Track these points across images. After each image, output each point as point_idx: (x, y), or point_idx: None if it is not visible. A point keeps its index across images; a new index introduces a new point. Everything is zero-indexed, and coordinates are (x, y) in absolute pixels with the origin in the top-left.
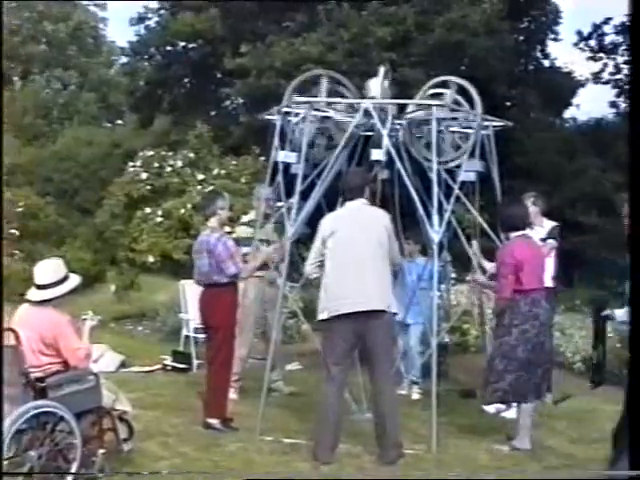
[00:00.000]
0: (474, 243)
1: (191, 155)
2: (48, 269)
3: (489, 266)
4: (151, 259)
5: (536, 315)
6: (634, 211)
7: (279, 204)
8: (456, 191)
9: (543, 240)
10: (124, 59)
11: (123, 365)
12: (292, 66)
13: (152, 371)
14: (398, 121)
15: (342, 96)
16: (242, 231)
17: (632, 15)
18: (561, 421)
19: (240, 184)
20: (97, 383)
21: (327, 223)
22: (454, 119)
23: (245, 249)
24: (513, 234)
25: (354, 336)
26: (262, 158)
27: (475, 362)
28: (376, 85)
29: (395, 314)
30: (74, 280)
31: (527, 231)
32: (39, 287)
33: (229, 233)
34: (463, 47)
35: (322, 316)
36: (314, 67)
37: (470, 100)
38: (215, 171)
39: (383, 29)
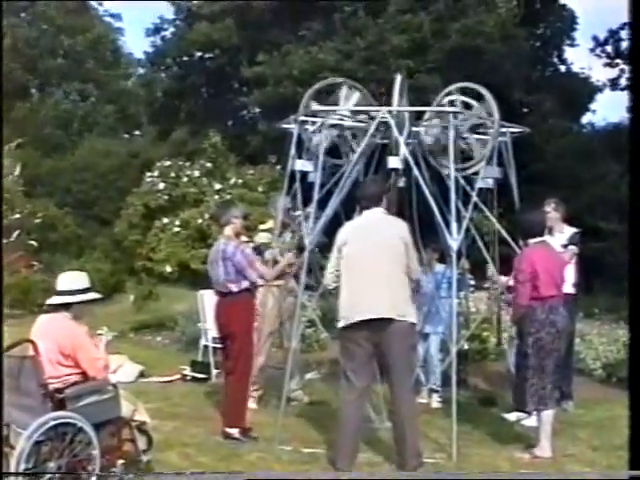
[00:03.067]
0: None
1: (208, 165)
2: (71, 277)
3: (503, 279)
4: (169, 269)
5: (553, 322)
6: (634, 211)
7: (296, 213)
8: (474, 198)
9: (564, 247)
10: (141, 70)
11: (142, 375)
12: (309, 74)
13: (171, 381)
14: (415, 128)
15: (359, 104)
16: (263, 237)
17: (632, 15)
18: (582, 429)
19: (257, 193)
20: (116, 394)
21: (343, 232)
22: (476, 126)
23: (267, 254)
24: (531, 241)
25: (370, 344)
26: (279, 167)
27: (495, 370)
28: (394, 93)
29: (413, 323)
30: (95, 294)
31: (546, 238)
32: (59, 293)
33: (247, 242)
34: (479, 53)
35: (340, 324)
36: (330, 75)
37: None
38: (232, 180)
39: (399, 37)
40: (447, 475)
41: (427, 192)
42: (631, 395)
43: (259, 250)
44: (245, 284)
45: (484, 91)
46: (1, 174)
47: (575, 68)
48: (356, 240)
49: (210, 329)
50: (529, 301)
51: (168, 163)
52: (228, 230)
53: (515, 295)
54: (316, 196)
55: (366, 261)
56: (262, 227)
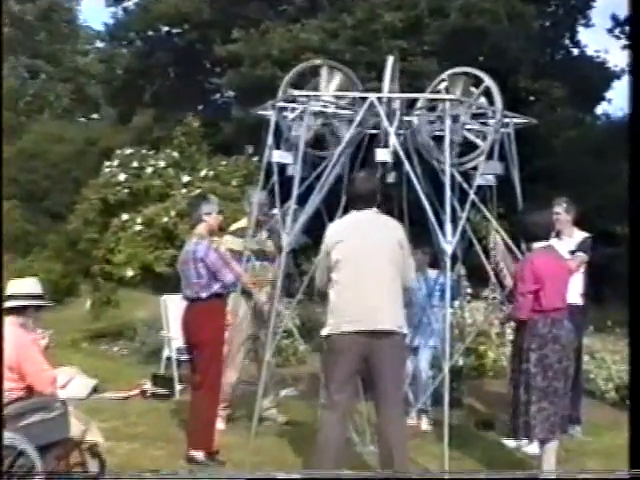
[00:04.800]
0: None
1: (175, 154)
2: (23, 281)
3: (509, 282)
4: (130, 272)
5: (556, 338)
6: (634, 212)
7: (274, 210)
8: (472, 196)
9: (572, 253)
10: (100, 45)
11: (96, 390)
12: (290, 55)
13: (129, 397)
14: (407, 118)
15: (345, 89)
16: (230, 242)
17: (632, 15)
18: (591, 457)
19: (231, 187)
20: (64, 411)
21: (332, 232)
22: (474, 115)
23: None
24: (536, 245)
25: (359, 358)
26: (255, 158)
27: (493, 388)
28: (385, 78)
29: (405, 335)
30: (45, 301)
31: (552, 242)
32: (8, 298)
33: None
34: (482, 34)
35: (323, 332)
36: (314, 57)
37: (489, 94)
38: (202, 172)
39: (392, 14)
40: (447, 475)
41: (419, 189)
42: (631, 395)
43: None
44: (216, 288)
45: (485, 77)
46: (1, 172)
47: (590, 51)
48: (347, 240)
49: (174, 338)
50: (530, 313)
51: (130, 151)
52: (201, 228)
53: (514, 307)
54: (295, 191)
55: (360, 264)
56: (235, 226)
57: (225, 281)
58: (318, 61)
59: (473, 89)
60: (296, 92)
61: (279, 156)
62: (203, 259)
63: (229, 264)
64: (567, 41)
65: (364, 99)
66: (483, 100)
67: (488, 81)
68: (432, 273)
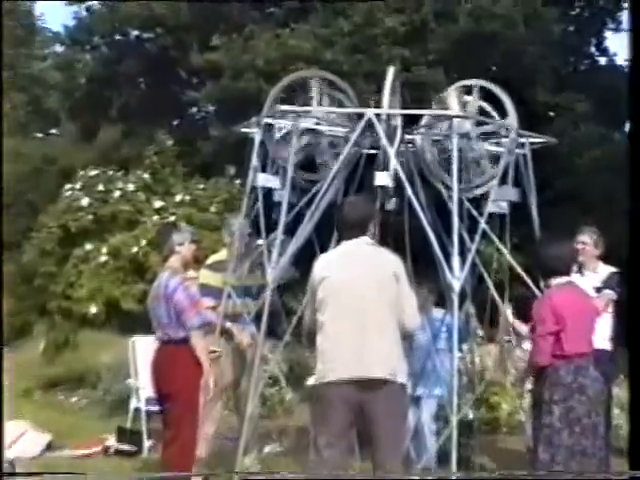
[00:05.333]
0: (505, 306)
1: (146, 176)
2: None
3: (525, 329)
4: (93, 309)
5: (582, 387)
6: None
7: (258, 241)
8: (482, 225)
9: (598, 290)
10: (59, 49)
11: (50, 447)
12: (277, 65)
13: (90, 455)
14: (410, 136)
15: (339, 105)
16: (207, 276)
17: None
18: None
19: (209, 214)
20: (12, 472)
21: (318, 266)
22: (482, 135)
23: (207, 300)
24: (555, 281)
25: (352, 410)
26: (237, 181)
27: (508, 445)
28: (384, 91)
29: (405, 384)
30: None
31: (575, 278)
32: None
33: (193, 279)
34: (495, 41)
35: (312, 382)
36: (305, 67)
37: (502, 109)
38: (177, 197)
39: (393, 18)
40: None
41: (423, 217)
42: (631, 395)
43: (201, 294)
44: (193, 327)
45: (498, 91)
46: (1, 173)
47: (619, 60)
48: (335, 276)
49: (143, 387)
50: (550, 359)
51: (94, 172)
52: (173, 261)
53: (532, 351)
54: (283, 219)
55: (352, 303)
56: (213, 258)
57: (189, 325)
58: (309, 72)
59: (485, 104)
60: (284, 107)
61: (265, 179)
62: (171, 297)
63: (198, 306)
64: (593, 48)
65: (361, 115)
66: (495, 116)
67: (501, 95)
68: (437, 312)
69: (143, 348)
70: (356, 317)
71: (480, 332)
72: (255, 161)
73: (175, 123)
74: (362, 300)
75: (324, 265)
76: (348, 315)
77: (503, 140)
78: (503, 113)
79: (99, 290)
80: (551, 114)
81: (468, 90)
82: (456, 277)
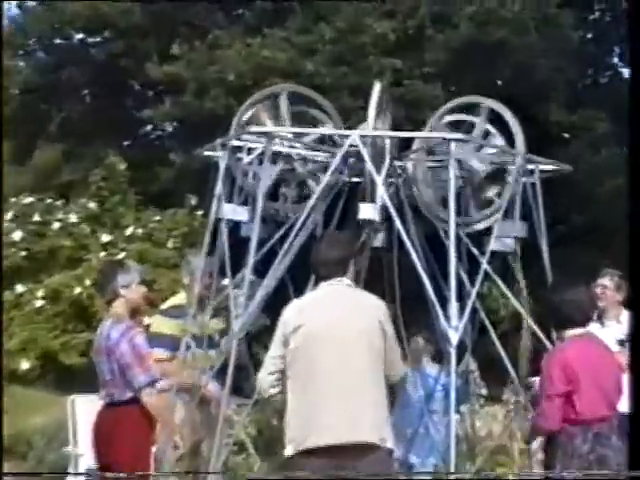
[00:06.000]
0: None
1: (92, 205)
2: None
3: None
4: (25, 364)
5: (602, 459)
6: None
7: (223, 282)
8: (484, 266)
9: (621, 343)
10: None
11: None
12: (248, 79)
13: None
14: (400, 162)
15: (319, 125)
16: (160, 323)
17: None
18: None
19: (166, 250)
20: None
21: (291, 313)
22: (485, 161)
23: (160, 352)
24: (570, 332)
25: None
26: (199, 213)
27: None
28: (370, 109)
29: (391, 450)
30: None
31: (593, 328)
32: None
33: (146, 327)
34: (501, 50)
35: (287, 451)
36: (281, 80)
37: (506, 130)
38: (129, 230)
39: (384, 23)
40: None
41: (415, 256)
42: (632, 394)
43: (153, 344)
44: (139, 387)
45: (503, 109)
46: (2, 175)
47: None
48: (311, 325)
49: (83, 454)
50: (561, 424)
51: (29, 200)
52: (118, 305)
53: (538, 414)
54: (252, 257)
55: (332, 357)
56: (171, 302)
57: (135, 384)
58: (284, 87)
59: (489, 127)
60: (254, 128)
61: (231, 211)
62: (113, 350)
63: (145, 361)
64: (615, 58)
65: (344, 137)
66: (500, 139)
67: (506, 114)
68: (432, 368)
69: (84, 409)
70: (338, 373)
71: (483, 391)
72: (220, 189)
73: (126, 143)
74: (344, 354)
75: (298, 311)
76: (329, 371)
77: (509, 167)
78: (509, 135)
79: (33, 340)
80: (566, 136)
81: (466, 107)
82: (453, 327)
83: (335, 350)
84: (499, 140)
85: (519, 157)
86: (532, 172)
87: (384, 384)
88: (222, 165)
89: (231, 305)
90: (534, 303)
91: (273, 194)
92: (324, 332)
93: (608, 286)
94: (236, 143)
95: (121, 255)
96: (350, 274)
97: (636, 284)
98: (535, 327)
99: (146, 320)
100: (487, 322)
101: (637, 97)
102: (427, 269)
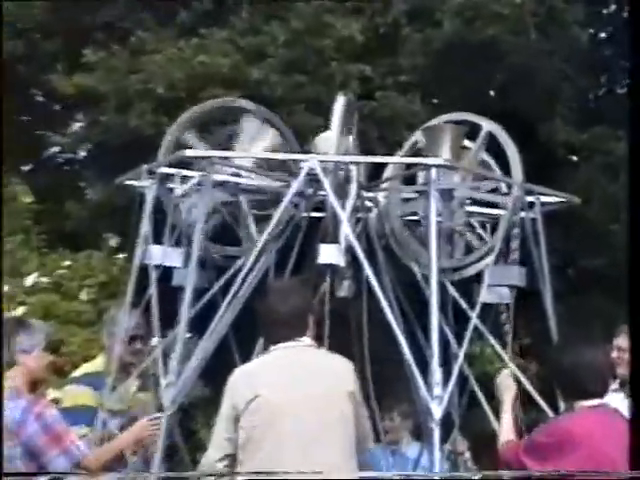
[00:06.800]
0: None
1: None
2: None
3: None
4: None
5: None
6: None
7: (151, 342)
8: (474, 320)
9: None
10: None
11: None
12: (181, 89)
13: None
14: (371, 194)
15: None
16: (75, 395)
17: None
18: None
19: (78, 303)
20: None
21: (241, 382)
22: (474, 192)
23: (76, 429)
24: (581, 404)
25: None
26: (121, 256)
27: None
28: (333, 127)
29: None
30: None
31: (610, 398)
32: None
33: (53, 401)
34: (494, 53)
35: None
36: (223, 92)
37: (500, 153)
38: (30, 278)
39: (349, 21)
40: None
41: (388, 310)
42: (632, 394)
43: (67, 419)
44: (56, 469)
45: (495, 128)
46: (1, 178)
47: None
48: (267, 394)
49: None
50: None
51: None
52: (16, 375)
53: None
54: (186, 311)
55: (289, 433)
56: (85, 368)
57: (51, 466)
58: (224, 101)
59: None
60: (189, 152)
61: (161, 254)
62: (17, 432)
63: (62, 439)
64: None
65: (300, 163)
66: (493, 166)
67: (501, 135)
68: (411, 448)
69: None
70: (299, 452)
71: (476, 478)
72: (147, 227)
73: (27, 168)
74: (308, 429)
75: (252, 380)
76: (290, 451)
77: (503, 199)
78: (503, 160)
79: None
80: (575, 159)
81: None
82: (437, 397)
83: (295, 424)
84: (493, 166)
85: (516, 186)
86: (532, 205)
87: (355, 460)
88: (149, 197)
89: (160, 372)
90: (537, 364)
91: (214, 233)
92: (283, 402)
93: (624, 348)
94: (167, 170)
95: (21, 310)
96: (310, 331)
97: (636, 289)
98: (537, 397)
99: (51, 394)
100: (478, 390)
101: (637, 97)
102: (403, 325)
